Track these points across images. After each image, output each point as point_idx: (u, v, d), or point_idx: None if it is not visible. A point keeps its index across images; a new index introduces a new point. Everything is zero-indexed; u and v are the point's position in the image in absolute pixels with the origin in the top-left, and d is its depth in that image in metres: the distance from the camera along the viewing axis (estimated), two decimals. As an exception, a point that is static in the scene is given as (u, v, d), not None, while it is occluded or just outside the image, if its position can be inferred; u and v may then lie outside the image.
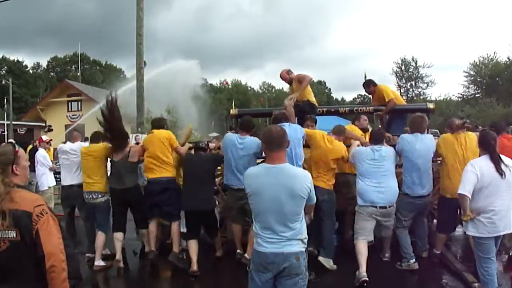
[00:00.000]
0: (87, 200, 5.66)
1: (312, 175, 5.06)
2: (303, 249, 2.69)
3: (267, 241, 2.65)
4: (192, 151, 5.75)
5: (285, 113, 5.31)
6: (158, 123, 5.81)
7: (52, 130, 12.06)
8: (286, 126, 4.78)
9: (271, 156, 2.72)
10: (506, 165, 3.62)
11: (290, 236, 2.63)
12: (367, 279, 4.46)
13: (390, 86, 7.75)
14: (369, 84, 7.24)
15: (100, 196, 5.59)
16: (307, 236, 2.73)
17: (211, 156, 5.56)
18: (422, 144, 5.00)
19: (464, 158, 4.79)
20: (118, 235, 5.50)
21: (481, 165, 3.63)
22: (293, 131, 4.90)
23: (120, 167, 5.54)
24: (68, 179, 6.03)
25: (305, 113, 6.03)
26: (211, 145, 5.91)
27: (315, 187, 4.97)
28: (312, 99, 6.54)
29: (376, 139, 5.06)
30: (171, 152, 5.53)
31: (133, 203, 5.58)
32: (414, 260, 4.98)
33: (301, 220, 2.70)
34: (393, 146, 5.24)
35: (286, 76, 6.62)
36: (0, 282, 2.00)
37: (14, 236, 2.00)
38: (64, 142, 6.74)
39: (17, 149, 2.27)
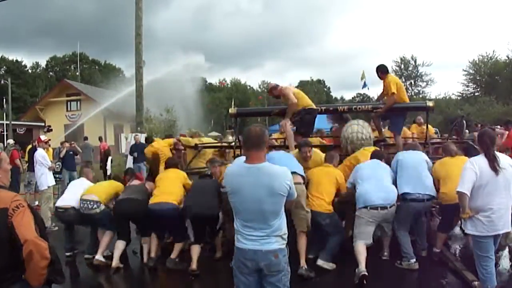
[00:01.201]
0: (82, 210, 5.50)
1: (310, 201, 5.11)
2: (283, 246, 2.74)
3: (246, 238, 2.71)
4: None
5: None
6: (173, 163, 6.06)
7: (51, 130, 12.06)
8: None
9: (250, 156, 2.76)
10: (502, 163, 3.60)
11: (269, 232, 2.67)
12: (366, 273, 4.47)
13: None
14: (381, 69, 7.13)
15: (95, 206, 5.45)
16: (286, 232, 2.78)
17: (216, 182, 5.62)
18: (415, 153, 5.43)
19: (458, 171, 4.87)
20: (120, 244, 5.46)
21: (480, 163, 3.62)
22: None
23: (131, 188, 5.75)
24: (65, 200, 5.80)
25: (307, 121, 6.39)
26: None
27: (315, 212, 5.07)
28: (307, 103, 6.58)
29: (374, 157, 5.39)
30: (181, 188, 5.62)
31: (136, 216, 5.51)
32: (414, 260, 4.99)
33: (281, 217, 2.74)
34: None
35: (273, 93, 6.92)
36: None
37: None
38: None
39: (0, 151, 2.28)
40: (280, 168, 2.85)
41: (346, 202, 5.50)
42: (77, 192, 5.76)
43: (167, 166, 5.97)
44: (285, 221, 2.80)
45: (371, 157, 5.42)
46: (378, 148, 5.96)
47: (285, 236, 2.76)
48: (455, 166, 4.95)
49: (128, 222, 5.64)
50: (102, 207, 5.50)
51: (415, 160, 5.29)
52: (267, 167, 2.74)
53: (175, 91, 19.46)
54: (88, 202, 5.46)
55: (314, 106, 6.71)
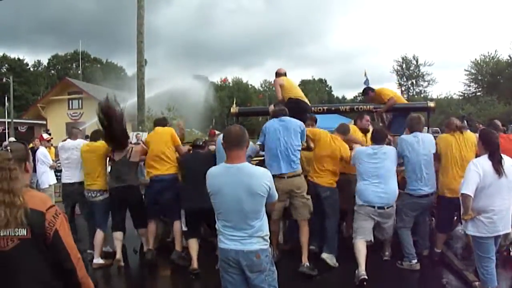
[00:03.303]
0: (88, 198, 5.69)
1: (313, 173, 5.11)
2: (265, 247, 2.76)
3: (228, 238, 2.74)
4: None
5: (284, 109, 5.32)
6: (160, 122, 5.92)
7: (50, 134, 11.93)
8: (286, 120, 5.02)
9: (230, 156, 2.79)
10: (505, 166, 3.60)
11: (250, 233, 2.70)
12: (366, 277, 4.47)
13: (390, 85, 7.80)
14: (367, 92, 7.28)
15: (99, 194, 5.61)
16: (268, 233, 2.81)
17: (209, 154, 5.48)
18: (422, 143, 5.01)
19: (462, 156, 4.85)
20: (118, 235, 5.51)
21: (483, 164, 3.62)
22: (293, 122, 5.03)
23: (120, 166, 5.53)
24: (69, 177, 6.05)
25: (291, 110, 5.93)
26: (212, 147, 5.85)
27: (316, 185, 5.07)
28: (297, 95, 6.34)
29: (376, 138, 5.05)
30: (173, 149, 5.59)
31: (132, 203, 5.56)
32: (416, 260, 4.98)
33: (262, 218, 2.77)
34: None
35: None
36: (12, 282, 1.93)
37: (25, 234, 1.92)
38: (64, 140, 6.76)
39: (27, 146, 2.26)
40: (260, 169, 2.89)
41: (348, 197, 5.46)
42: (77, 165, 5.93)
43: (155, 125, 5.91)
44: (267, 222, 2.83)
45: (373, 139, 5.10)
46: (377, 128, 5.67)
47: (267, 237, 2.79)
48: (455, 154, 4.86)
49: (124, 211, 5.64)
50: (106, 194, 5.65)
51: (419, 154, 4.98)
52: (246, 167, 2.77)
53: (178, 92, 19.56)
54: (91, 192, 5.64)
55: (303, 98, 6.40)
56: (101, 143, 5.73)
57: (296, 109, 5.86)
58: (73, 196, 6.06)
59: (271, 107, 6.25)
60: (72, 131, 6.68)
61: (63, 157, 6.22)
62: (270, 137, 5.00)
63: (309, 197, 5.01)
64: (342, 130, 5.50)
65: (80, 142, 6.13)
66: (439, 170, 5.10)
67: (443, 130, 5.47)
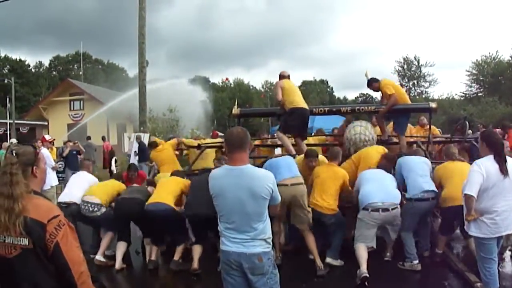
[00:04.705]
0: (83, 212, 5.45)
1: (316, 200, 5.12)
2: (267, 250, 2.74)
3: (230, 240, 2.72)
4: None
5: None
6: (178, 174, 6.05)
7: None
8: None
9: (232, 158, 2.77)
10: (509, 166, 3.60)
11: (253, 236, 2.68)
12: (367, 275, 4.48)
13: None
14: (371, 83, 7.23)
15: (96, 209, 5.42)
16: (271, 236, 2.79)
17: None
18: (416, 156, 5.59)
19: (463, 170, 4.79)
20: (121, 245, 5.47)
21: (487, 165, 3.60)
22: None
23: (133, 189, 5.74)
24: (68, 196, 5.73)
25: (290, 123, 6.30)
26: None
27: (320, 213, 5.10)
28: (294, 101, 6.33)
29: (381, 167, 5.43)
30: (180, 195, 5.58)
31: (137, 216, 5.43)
32: (417, 261, 4.99)
33: (265, 220, 2.74)
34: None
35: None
36: None
37: (27, 244, 1.91)
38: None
39: (38, 150, 2.20)
40: (263, 171, 2.88)
41: (348, 207, 5.51)
42: (80, 186, 5.76)
43: (172, 174, 6.01)
44: (269, 225, 2.81)
45: (378, 167, 5.46)
46: (386, 153, 5.89)
47: (269, 240, 2.77)
48: (456, 169, 5.02)
49: (128, 223, 5.61)
50: (103, 209, 5.47)
51: (416, 162, 5.39)
52: (249, 169, 2.75)
53: (178, 92, 19.61)
54: (89, 205, 5.43)
55: (300, 105, 6.33)
56: (118, 184, 5.97)
57: (296, 121, 6.18)
58: (72, 216, 5.58)
59: (280, 133, 6.41)
60: (83, 163, 6.72)
61: (72, 179, 6.27)
62: None
63: (309, 210, 5.07)
64: (333, 157, 5.62)
65: (91, 180, 6.07)
66: (440, 186, 5.18)
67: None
